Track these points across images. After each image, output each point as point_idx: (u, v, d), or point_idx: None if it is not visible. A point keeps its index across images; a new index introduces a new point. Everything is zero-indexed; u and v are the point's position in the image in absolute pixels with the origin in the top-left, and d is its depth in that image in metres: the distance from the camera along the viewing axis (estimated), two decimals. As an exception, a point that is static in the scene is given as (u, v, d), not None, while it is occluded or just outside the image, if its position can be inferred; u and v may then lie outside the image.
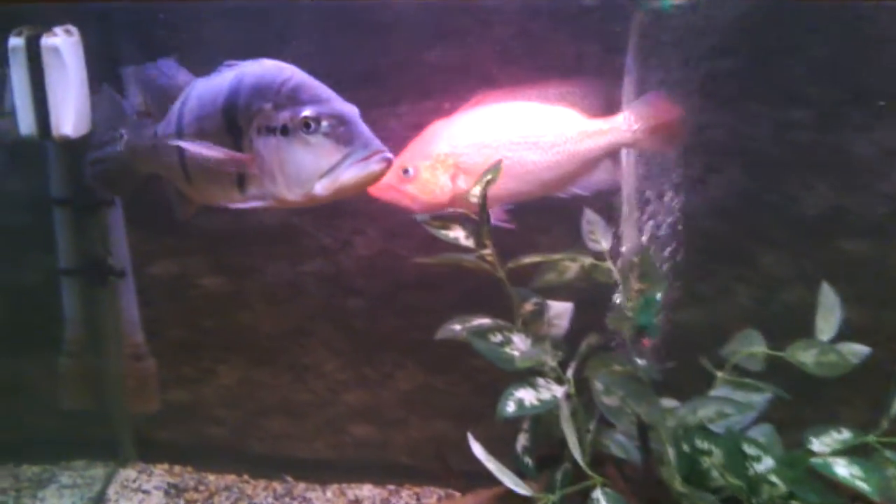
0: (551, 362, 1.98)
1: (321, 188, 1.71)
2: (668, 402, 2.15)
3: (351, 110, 1.75)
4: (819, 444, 1.93)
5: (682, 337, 2.39)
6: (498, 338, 1.99)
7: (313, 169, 1.71)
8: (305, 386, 2.56)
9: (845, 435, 1.94)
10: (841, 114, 2.24)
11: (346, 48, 2.33)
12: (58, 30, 2.03)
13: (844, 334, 2.05)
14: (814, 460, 1.83)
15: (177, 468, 2.61)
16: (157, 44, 2.25)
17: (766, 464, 1.76)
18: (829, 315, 2.16)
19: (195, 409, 2.59)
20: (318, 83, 1.79)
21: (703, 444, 1.83)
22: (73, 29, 2.08)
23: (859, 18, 2.18)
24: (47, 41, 2.01)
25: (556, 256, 2.12)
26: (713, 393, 2.13)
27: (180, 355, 2.55)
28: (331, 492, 2.54)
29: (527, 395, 1.93)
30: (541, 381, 1.97)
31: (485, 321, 2.04)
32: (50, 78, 2.03)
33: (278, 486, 2.55)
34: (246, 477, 2.60)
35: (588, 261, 2.13)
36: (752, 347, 2.16)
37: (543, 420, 2.02)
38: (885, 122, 2.23)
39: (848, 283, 2.28)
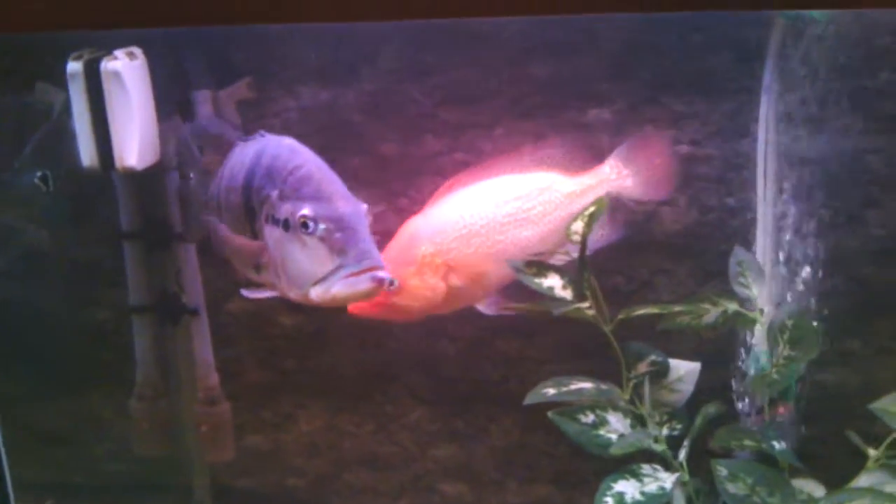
0: (657, 447, 1.66)
1: (315, 295, 1.58)
2: (808, 486, 1.80)
3: (353, 213, 1.59)
4: None
5: (828, 401, 2.03)
6: (590, 418, 1.69)
7: (309, 273, 1.58)
8: (390, 437, 2.32)
9: None
10: None
11: (439, 66, 2.08)
12: (119, 53, 1.86)
13: None
14: None
15: (246, 520, 2.43)
16: (231, 66, 2.08)
17: None
18: None
19: (274, 457, 2.40)
20: (327, 175, 1.65)
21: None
22: (138, 51, 1.91)
23: None
24: (107, 65, 1.84)
25: (678, 308, 1.79)
26: (863, 477, 1.77)
27: (259, 398, 2.36)
28: (415, 557, 2.30)
29: (628, 488, 1.62)
30: (646, 468, 1.66)
31: (585, 385, 1.74)
32: (111, 105, 1.87)
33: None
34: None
35: (733, 307, 1.80)
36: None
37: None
38: None
39: None
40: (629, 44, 1.96)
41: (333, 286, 1.55)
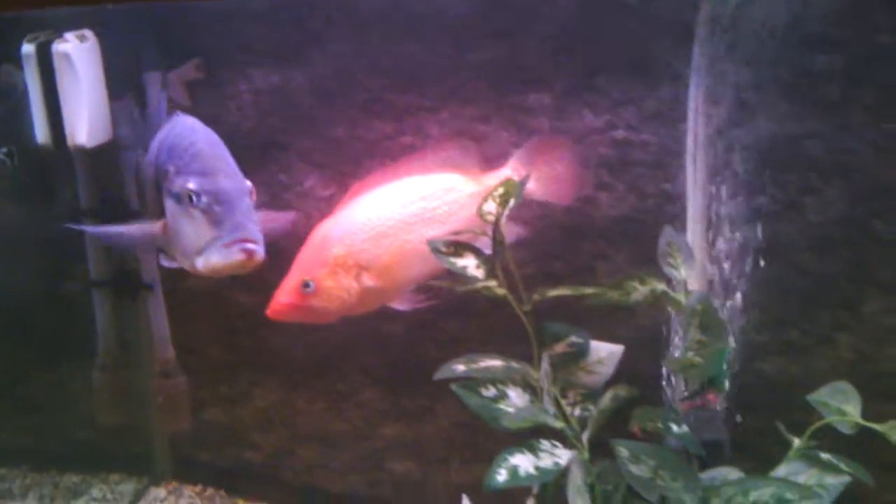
0: (556, 424, 1.66)
1: (200, 265, 1.68)
2: (731, 474, 1.78)
3: (234, 189, 1.69)
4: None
5: (768, 391, 2.00)
6: (491, 392, 1.70)
7: (194, 243, 1.68)
8: (342, 415, 2.37)
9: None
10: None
11: (385, 49, 2.11)
12: (69, 35, 1.95)
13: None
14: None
15: (209, 490, 2.50)
16: (181, 47, 2.15)
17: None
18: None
19: (232, 431, 2.47)
20: (217, 153, 1.76)
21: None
22: (89, 34, 1.99)
23: None
24: (58, 47, 1.93)
25: (590, 290, 1.79)
26: (783, 467, 1.75)
27: (218, 374, 2.43)
28: (362, 532, 2.35)
29: (523, 462, 1.62)
30: (544, 444, 1.66)
31: (494, 363, 1.76)
32: (62, 85, 1.96)
33: (304, 520, 2.39)
34: (276, 505, 2.46)
35: (661, 287, 1.79)
36: (844, 405, 1.76)
37: (554, 484, 1.71)
38: None
39: None
40: (566, 28, 1.97)
41: (211, 256, 1.65)
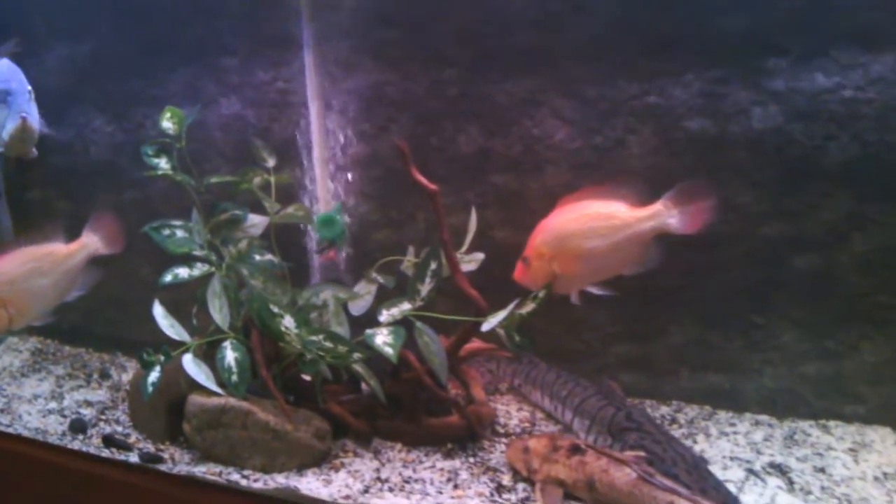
0: (198, 251, 2.73)
1: (4, 135, 2.80)
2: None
3: (18, 90, 2.85)
4: (386, 314, 2.56)
5: (379, 251, 3.04)
6: (167, 232, 2.76)
7: (4, 124, 2.80)
8: (131, 285, 3.44)
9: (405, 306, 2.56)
10: (480, 70, 2.80)
11: (139, 28, 3.19)
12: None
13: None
14: (367, 332, 2.47)
15: (48, 341, 3.62)
16: (6, 29, 3.25)
17: (287, 320, 2.44)
18: (467, 234, 2.75)
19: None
20: (12, 73, 2.93)
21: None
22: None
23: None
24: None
25: (230, 178, 2.85)
26: (358, 285, 2.80)
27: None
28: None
29: (182, 271, 2.69)
30: (198, 264, 2.73)
31: (179, 222, 2.83)
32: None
33: (106, 357, 3.48)
34: (90, 350, 3.55)
35: (265, 175, 2.85)
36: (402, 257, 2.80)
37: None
38: (516, 77, 2.77)
39: (499, 210, 2.85)
40: (245, 13, 3.03)
41: (7, 125, 2.77)
